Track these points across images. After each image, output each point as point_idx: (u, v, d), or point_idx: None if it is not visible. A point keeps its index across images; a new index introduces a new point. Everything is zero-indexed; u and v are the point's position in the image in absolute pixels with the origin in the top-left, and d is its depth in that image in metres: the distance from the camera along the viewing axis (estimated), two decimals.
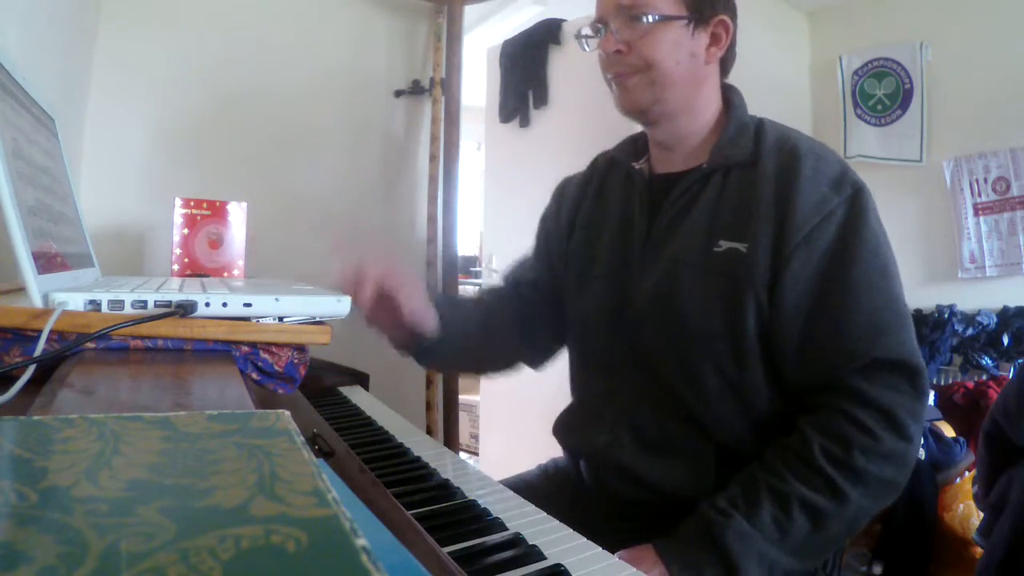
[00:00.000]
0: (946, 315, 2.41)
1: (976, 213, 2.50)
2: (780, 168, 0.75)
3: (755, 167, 0.77)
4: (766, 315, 0.73)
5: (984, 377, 2.30)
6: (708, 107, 0.83)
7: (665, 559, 0.67)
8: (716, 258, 0.76)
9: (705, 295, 0.76)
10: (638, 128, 0.91)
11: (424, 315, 0.80)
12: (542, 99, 2.40)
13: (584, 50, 0.86)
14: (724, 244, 0.75)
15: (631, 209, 0.87)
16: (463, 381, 2.26)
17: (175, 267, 1.31)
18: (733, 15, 0.82)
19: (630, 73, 0.80)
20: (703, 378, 0.76)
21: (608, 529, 0.79)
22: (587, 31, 0.84)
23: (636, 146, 0.93)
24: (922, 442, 1.74)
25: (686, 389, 0.77)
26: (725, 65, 0.85)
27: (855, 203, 0.73)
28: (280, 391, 0.61)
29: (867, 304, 0.70)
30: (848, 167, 0.77)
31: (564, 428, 0.94)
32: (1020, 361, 2.27)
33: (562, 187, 1.03)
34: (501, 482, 0.75)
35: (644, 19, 0.77)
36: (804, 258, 0.72)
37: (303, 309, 0.63)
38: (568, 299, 0.93)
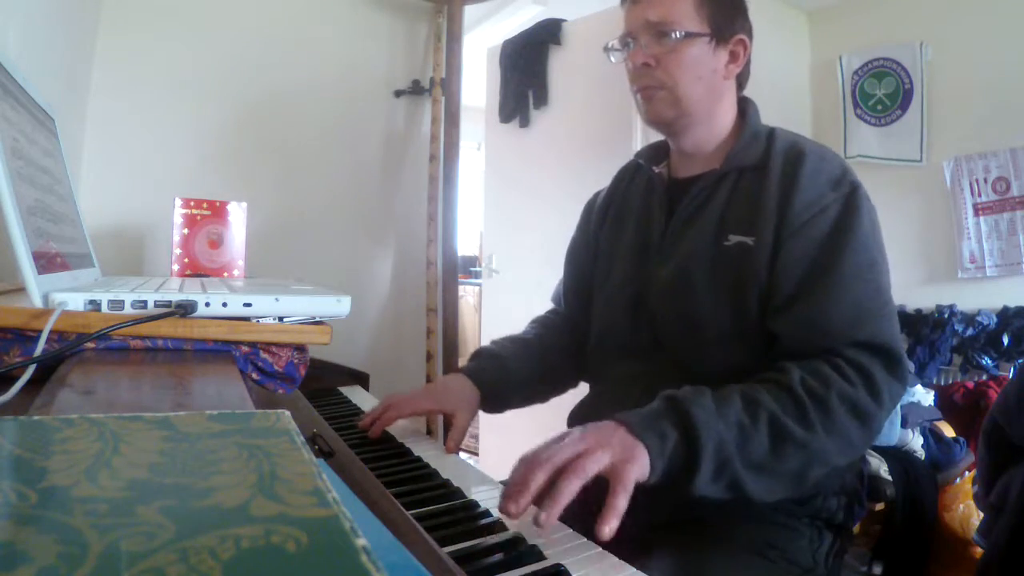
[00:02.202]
0: (946, 315, 2.41)
1: (976, 213, 2.50)
2: (785, 169, 0.81)
3: (764, 170, 0.82)
4: (767, 304, 0.78)
5: (984, 377, 2.30)
6: (725, 117, 0.90)
7: (628, 423, 0.65)
8: (725, 251, 0.81)
9: (715, 286, 0.81)
10: (653, 135, 0.98)
11: (469, 418, 0.90)
12: (542, 99, 2.40)
13: (611, 62, 0.92)
14: (733, 239, 0.81)
15: (651, 208, 0.93)
16: None
17: (175, 267, 1.31)
18: (750, 35, 0.89)
19: (656, 87, 0.86)
20: (716, 364, 0.81)
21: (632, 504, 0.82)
22: (615, 44, 0.90)
23: (657, 151, 1.00)
24: (922, 442, 1.74)
25: (702, 373, 0.81)
26: (740, 80, 0.91)
27: (850, 200, 0.78)
28: (280, 391, 0.62)
29: (853, 292, 0.74)
30: (849, 169, 0.82)
31: (583, 414, 0.96)
32: (1020, 361, 2.27)
33: (591, 201, 1.09)
34: (502, 482, 0.75)
35: (671, 35, 0.83)
36: (796, 247, 0.77)
37: (303, 309, 0.63)
38: (595, 290, 0.99)
